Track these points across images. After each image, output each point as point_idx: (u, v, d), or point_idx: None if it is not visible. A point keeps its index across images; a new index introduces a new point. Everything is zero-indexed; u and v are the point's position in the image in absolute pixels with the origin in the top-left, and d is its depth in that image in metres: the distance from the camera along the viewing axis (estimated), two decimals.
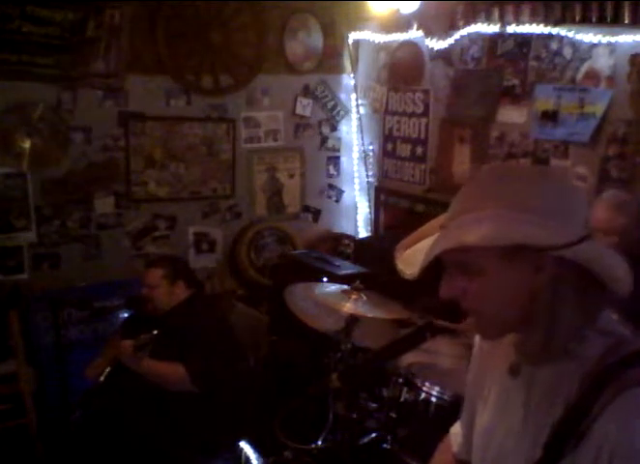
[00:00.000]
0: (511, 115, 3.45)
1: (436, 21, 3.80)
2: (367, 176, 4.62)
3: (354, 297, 2.41)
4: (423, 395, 2.31)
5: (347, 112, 4.59)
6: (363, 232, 4.72)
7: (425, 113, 4.06)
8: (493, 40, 3.49)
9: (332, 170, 4.66)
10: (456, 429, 1.38)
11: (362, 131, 4.58)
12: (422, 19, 3.89)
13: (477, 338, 1.27)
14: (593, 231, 2.10)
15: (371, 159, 4.59)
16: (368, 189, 4.63)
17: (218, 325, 2.97)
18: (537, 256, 0.96)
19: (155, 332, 2.72)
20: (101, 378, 2.79)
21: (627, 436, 0.91)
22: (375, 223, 4.61)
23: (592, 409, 0.94)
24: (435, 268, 1.04)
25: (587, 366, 0.98)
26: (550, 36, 3.15)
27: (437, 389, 2.29)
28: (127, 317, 3.24)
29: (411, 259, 1.25)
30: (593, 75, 3.00)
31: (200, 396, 2.72)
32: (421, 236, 1.28)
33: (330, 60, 4.45)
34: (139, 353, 2.69)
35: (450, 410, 2.27)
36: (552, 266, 0.96)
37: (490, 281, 1.00)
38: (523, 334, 1.05)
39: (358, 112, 4.56)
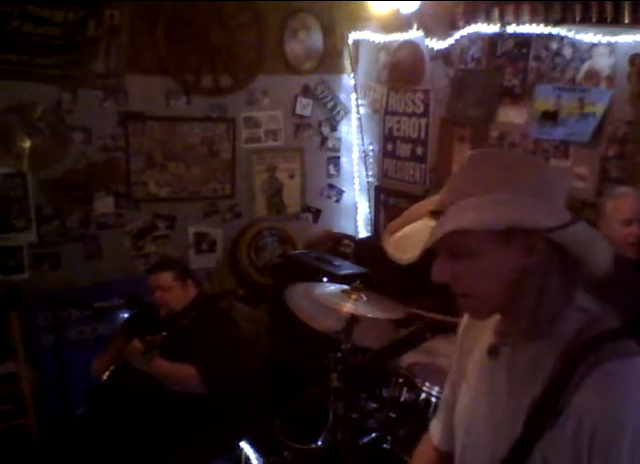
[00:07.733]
0: (511, 115, 3.44)
1: (436, 21, 3.79)
2: (367, 176, 4.61)
3: (354, 297, 2.41)
4: (423, 395, 2.31)
5: (347, 112, 4.59)
6: (363, 232, 4.72)
7: (425, 113, 4.05)
8: (493, 40, 3.48)
9: (332, 170, 4.66)
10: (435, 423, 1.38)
11: (362, 131, 4.58)
12: (422, 19, 3.88)
13: (463, 320, 1.28)
14: (630, 221, 2.19)
15: (371, 159, 4.58)
16: (368, 189, 4.63)
17: (228, 324, 2.97)
18: (529, 238, 0.99)
19: (164, 333, 2.70)
20: (104, 376, 2.77)
21: (608, 406, 0.93)
22: (375, 223, 4.60)
23: (569, 384, 0.95)
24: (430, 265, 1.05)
25: (564, 343, 1.00)
26: (550, 36, 3.15)
27: (437, 389, 2.30)
28: (130, 316, 3.22)
29: (401, 244, 1.24)
30: (593, 75, 3.00)
31: (201, 396, 2.72)
32: (407, 220, 1.28)
33: (330, 60, 4.45)
34: (148, 354, 2.68)
35: None
36: (543, 247, 0.99)
37: (484, 263, 1.02)
38: (506, 316, 1.08)
39: (358, 112, 4.56)
